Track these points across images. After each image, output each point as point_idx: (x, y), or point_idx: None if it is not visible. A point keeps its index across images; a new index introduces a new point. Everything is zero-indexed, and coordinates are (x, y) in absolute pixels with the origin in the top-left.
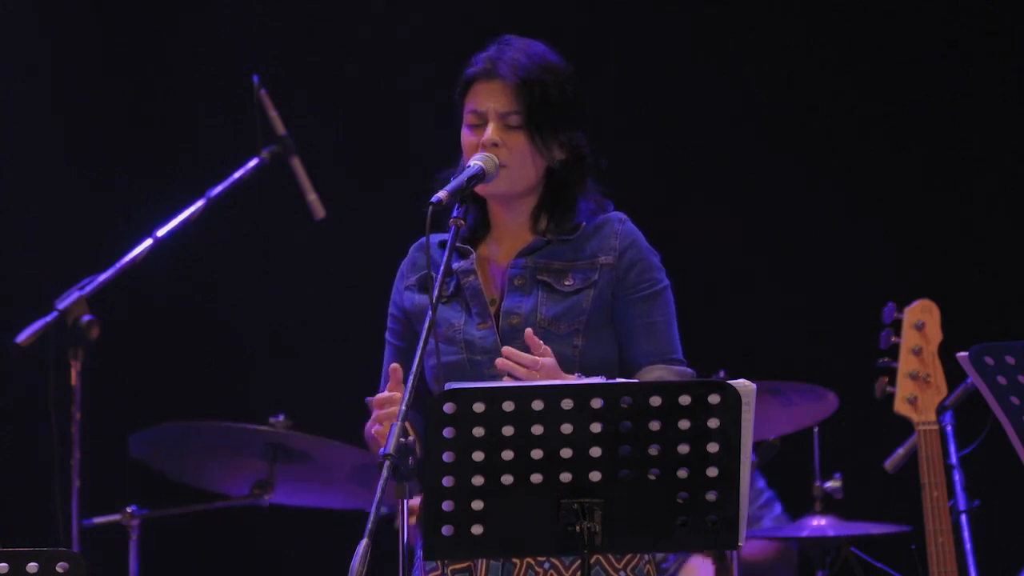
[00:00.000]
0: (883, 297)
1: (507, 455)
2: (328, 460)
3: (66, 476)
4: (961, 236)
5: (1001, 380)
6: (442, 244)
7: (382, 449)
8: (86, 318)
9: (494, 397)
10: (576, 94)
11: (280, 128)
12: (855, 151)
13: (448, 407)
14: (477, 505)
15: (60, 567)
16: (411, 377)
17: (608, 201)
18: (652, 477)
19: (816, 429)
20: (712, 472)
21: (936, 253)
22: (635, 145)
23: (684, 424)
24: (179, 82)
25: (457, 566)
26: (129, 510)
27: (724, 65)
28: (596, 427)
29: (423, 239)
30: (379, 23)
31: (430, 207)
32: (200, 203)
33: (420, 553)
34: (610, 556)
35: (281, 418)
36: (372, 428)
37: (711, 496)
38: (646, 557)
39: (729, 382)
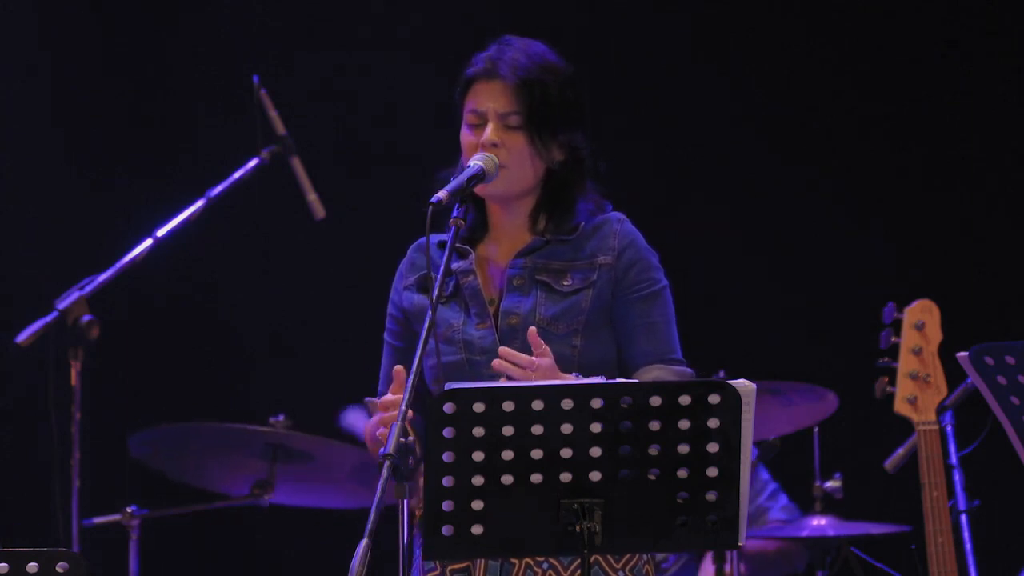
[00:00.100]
0: (883, 297)
1: (507, 455)
2: (328, 460)
3: (66, 476)
4: (961, 236)
5: (1001, 380)
6: (441, 244)
7: (382, 449)
8: (86, 318)
9: (494, 397)
10: (576, 95)
11: (280, 128)
12: (855, 151)
13: (448, 407)
14: (477, 505)
15: (60, 567)
16: (411, 377)
17: (607, 201)
18: (652, 477)
19: (816, 429)
20: (712, 472)
21: (936, 253)
22: (635, 145)
23: (684, 424)
24: (179, 82)
25: (456, 566)
26: (129, 510)
27: (724, 65)
28: (596, 427)
29: (422, 239)
30: (379, 23)
31: (430, 207)
32: (200, 203)
33: (419, 553)
34: (609, 556)
35: (281, 418)
36: (376, 431)
37: (711, 496)
38: (645, 557)
39: (729, 382)
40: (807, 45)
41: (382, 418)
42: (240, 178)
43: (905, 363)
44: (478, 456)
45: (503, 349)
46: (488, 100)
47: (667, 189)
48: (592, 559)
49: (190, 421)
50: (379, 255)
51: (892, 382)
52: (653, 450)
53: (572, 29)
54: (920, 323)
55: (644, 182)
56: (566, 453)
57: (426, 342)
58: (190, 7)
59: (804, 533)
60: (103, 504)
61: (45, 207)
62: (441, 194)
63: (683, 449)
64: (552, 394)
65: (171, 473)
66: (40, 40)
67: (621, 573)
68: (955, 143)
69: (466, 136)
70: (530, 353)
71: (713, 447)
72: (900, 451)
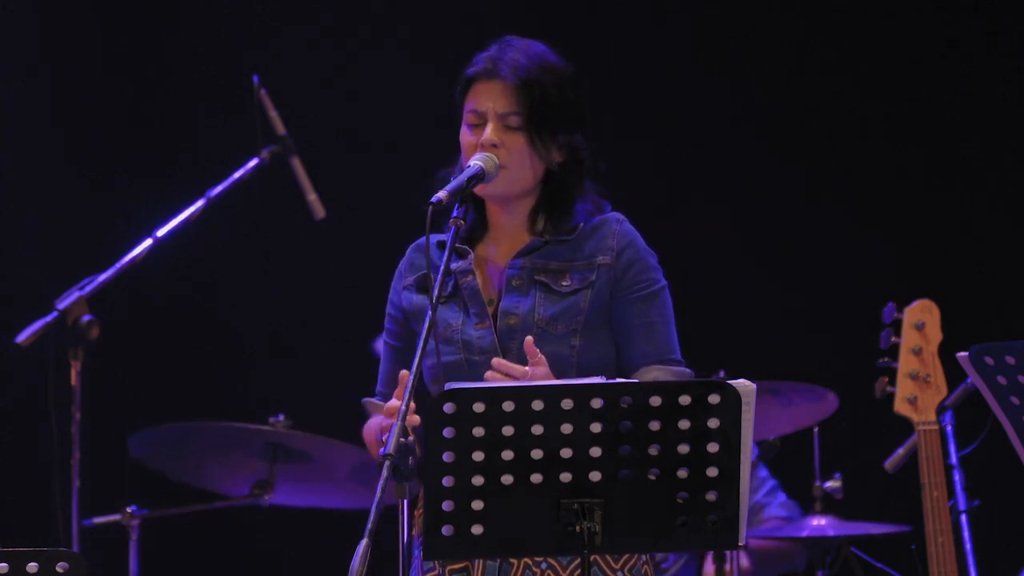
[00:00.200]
0: (883, 297)
1: (507, 455)
2: (328, 460)
3: (66, 476)
4: (961, 236)
5: (1001, 380)
6: (440, 244)
7: (382, 449)
8: (86, 318)
9: (494, 397)
10: (576, 95)
11: (280, 128)
12: (855, 151)
13: (448, 407)
14: (477, 505)
15: (60, 567)
16: (411, 378)
17: (605, 202)
18: (652, 477)
19: (816, 429)
20: (712, 472)
21: (936, 253)
22: (635, 145)
23: (684, 424)
24: (179, 82)
25: (455, 566)
26: (129, 510)
27: (724, 65)
28: (596, 427)
29: (421, 239)
30: (379, 23)
31: (430, 207)
32: (200, 203)
33: (418, 553)
34: (608, 556)
35: (281, 418)
36: (382, 436)
37: (711, 496)
38: (644, 557)
39: (729, 382)
40: (807, 45)
41: (383, 425)
42: (240, 178)
43: (905, 363)
44: (478, 456)
45: (496, 360)
46: (488, 100)
47: (667, 189)
48: (591, 559)
49: (190, 421)
50: (379, 255)
51: (892, 382)
52: (653, 450)
53: (572, 29)
54: (920, 323)
55: (644, 182)
56: (566, 453)
57: (426, 342)
58: (190, 7)
59: (804, 533)
60: (103, 504)
61: (45, 207)
62: (441, 194)
63: (683, 449)
64: (552, 394)
65: (171, 473)
66: (40, 40)
67: (620, 573)
68: (955, 143)
69: (466, 136)
70: (529, 360)
71: (713, 447)
72: (900, 451)
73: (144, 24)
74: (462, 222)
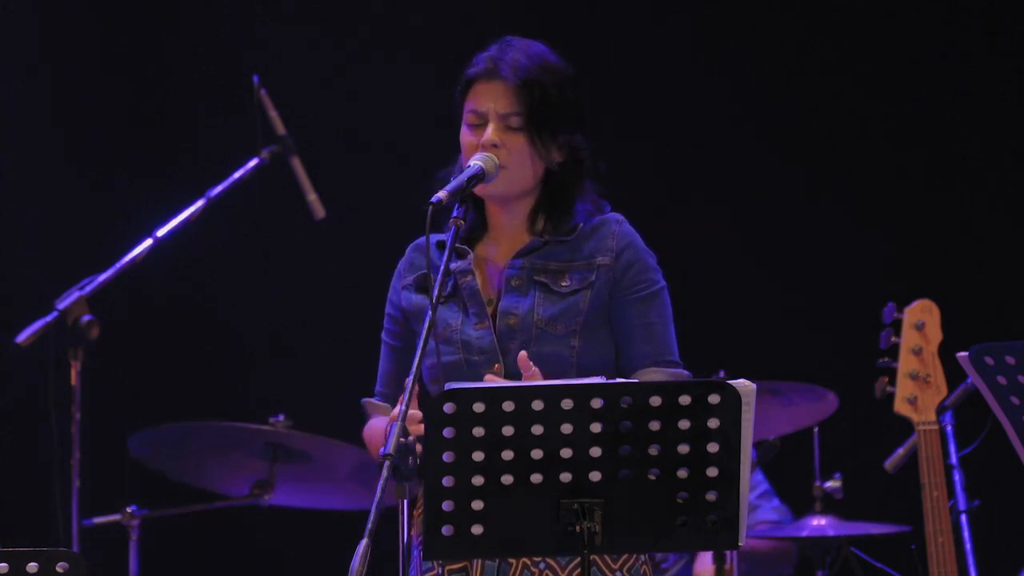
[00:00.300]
0: (883, 297)
1: (507, 455)
2: (328, 460)
3: (66, 476)
4: (961, 236)
5: (1001, 380)
6: (440, 244)
7: (382, 449)
8: (86, 318)
9: (494, 397)
10: (576, 95)
11: (280, 128)
12: (855, 151)
13: (448, 407)
14: (477, 505)
15: (60, 567)
16: (411, 377)
17: (605, 202)
18: (652, 477)
19: (816, 429)
20: (712, 472)
21: (936, 253)
22: (635, 145)
23: (684, 424)
24: (179, 82)
25: (454, 566)
26: (129, 510)
27: (724, 65)
28: (596, 427)
29: (421, 239)
30: (379, 23)
31: (430, 207)
32: (200, 203)
33: (417, 553)
34: (607, 556)
35: (281, 418)
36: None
37: (711, 496)
38: (643, 557)
39: (729, 382)
40: (807, 45)
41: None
42: (240, 178)
43: (905, 363)
44: (478, 456)
45: (488, 376)
46: (489, 100)
47: (667, 189)
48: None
49: (190, 421)
50: (379, 255)
51: (892, 382)
52: (653, 450)
53: (572, 29)
54: (920, 323)
55: (644, 182)
56: (566, 453)
57: (426, 342)
58: (190, 7)
59: (804, 533)
60: (103, 504)
61: (45, 207)
62: (441, 194)
63: (683, 449)
64: (552, 394)
65: (171, 473)
66: (40, 40)
67: (619, 573)
68: (955, 143)
69: (466, 136)
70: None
71: (713, 447)
72: (900, 451)
73: (144, 24)
74: (462, 222)
